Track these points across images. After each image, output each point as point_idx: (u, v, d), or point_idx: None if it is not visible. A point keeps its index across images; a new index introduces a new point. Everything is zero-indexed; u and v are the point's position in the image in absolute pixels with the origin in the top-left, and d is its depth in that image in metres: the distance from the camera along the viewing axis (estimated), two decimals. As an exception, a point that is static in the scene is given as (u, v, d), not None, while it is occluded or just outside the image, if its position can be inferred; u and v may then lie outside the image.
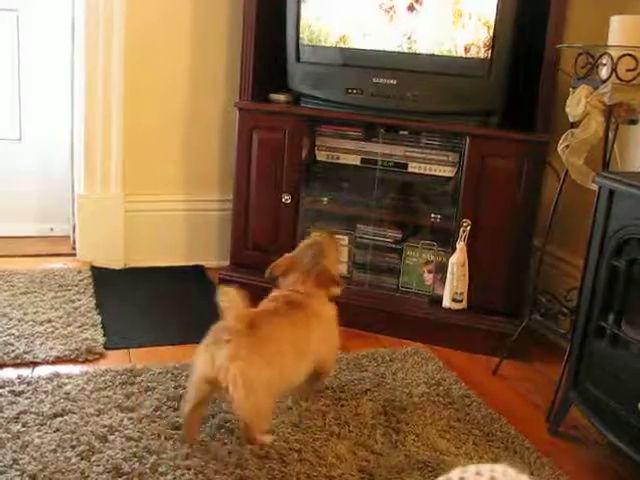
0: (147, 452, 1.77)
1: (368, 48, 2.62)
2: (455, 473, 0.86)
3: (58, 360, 2.24)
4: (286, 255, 2.13)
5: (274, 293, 2.04)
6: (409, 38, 2.55)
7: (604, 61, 2.01)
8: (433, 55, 2.54)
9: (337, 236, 2.29)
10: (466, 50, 2.50)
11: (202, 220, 3.30)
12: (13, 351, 2.24)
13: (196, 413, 1.83)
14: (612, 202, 1.89)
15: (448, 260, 2.59)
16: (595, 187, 1.98)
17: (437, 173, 2.71)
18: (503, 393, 2.33)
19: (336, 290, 2.09)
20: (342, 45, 2.66)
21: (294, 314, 1.94)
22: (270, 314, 1.90)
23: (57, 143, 3.37)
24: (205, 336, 1.80)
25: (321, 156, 2.86)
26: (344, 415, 2.05)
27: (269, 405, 1.85)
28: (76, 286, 2.83)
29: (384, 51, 2.60)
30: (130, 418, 1.91)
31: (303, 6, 2.67)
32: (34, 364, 2.21)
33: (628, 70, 1.94)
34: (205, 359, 1.75)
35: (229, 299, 1.75)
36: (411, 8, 2.53)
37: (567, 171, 2.22)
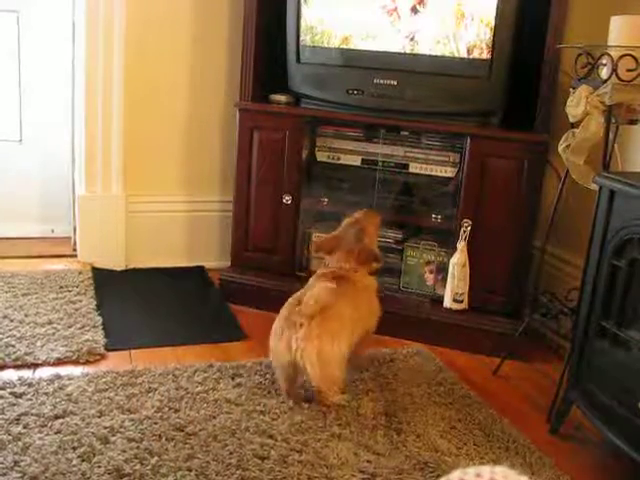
0: (148, 453, 1.77)
1: (369, 49, 2.63)
2: (455, 475, 0.86)
3: (59, 361, 2.24)
4: (331, 234, 2.35)
5: (322, 270, 2.27)
6: (412, 39, 2.55)
7: (604, 61, 2.00)
8: (434, 56, 2.54)
9: (376, 213, 2.46)
10: (467, 51, 2.50)
11: (203, 221, 3.30)
12: (14, 352, 2.24)
13: (293, 387, 2.09)
14: (613, 202, 1.89)
15: (449, 260, 2.59)
16: (596, 187, 1.98)
17: (438, 173, 2.71)
18: (504, 393, 2.33)
19: (377, 265, 2.31)
20: (344, 46, 2.66)
21: (347, 290, 2.15)
22: (330, 293, 2.09)
23: (58, 144, 3.38)
24: (279, 317, 2.06)
25: (322, 157, 2.86)
26: (345, 416, 2.05)
27: (341, 373, 2.06)
28: (77, 287, 2.83)
29: (385, 52, 2.60)
30: (131, 419, 1.91)
31: (305, 7, 2.67)
32: (35, 365, 2.21)
33: (628, 70, 1.94)
34: (283, 345, 2.00)
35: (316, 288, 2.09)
36: (414, 10, 2.53)
37: (568, 171, 2.22)
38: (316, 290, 2.10)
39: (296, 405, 2.07)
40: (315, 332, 1.97)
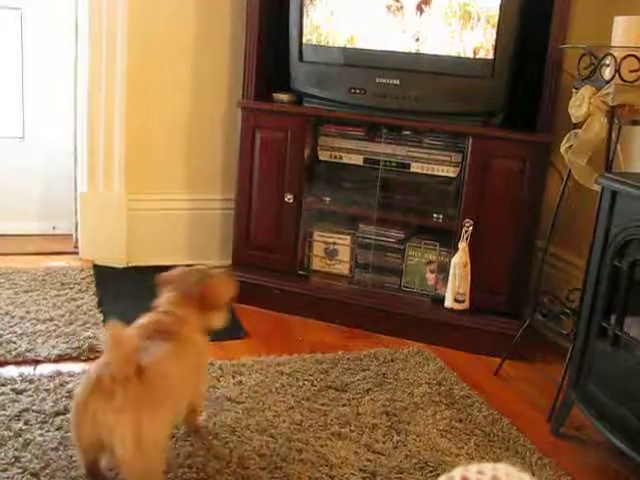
0: (149, 451, 1.77)
1: (371, 48, 2.62)
2: (457, 471, 0.86)
3: (60, 358, 2.24)
4: (171, 271, 1.87)
5: (144, 319, 1.76)
6: (415, 39, 2.55)
7: (607, 62, 2.00)
8: (436, 55, 2.54)
9: (232, 279, 1.91)
10: (470, 51, 2.50)
11: (204, 219, 3.30)
12: (15, 349, 2.25)
13: (98, 469, 1.59)
14: (615, 203, 1.89)
15: (450, 260, 2.59)
16: (598, 188, 1.98)
17: (440, 173, 2.71)
18: (505, 393, 2.33)
19: (219, 318, 1.83)
20: (346, 45, 2.66)
21: (173, 343, 1.64)
22: (150, 346, 1.59)
23: (60, 141, 3.38)
24: (83, 381, 1.55)
25: (324, 156, 2.86)
26: (346, 415, 2.05)
27: (162, 458, 1.57)
28: (78, 284, 2.83)
29: (387, 51, 2.60)
30: (132, 416, 1.91)
31: (309, 6, 2.67)
32: (36, 362, 2.21)
33: (631, 71, 1.94)
34: (87, 420, 1.47)
35: (117, 337, 1.49)
36: (418, 9, 2.53)
37: (570, 172, 2.22)
38: (127, 344, 1.51)
39: (296, 404, 2.07)
40: (134, 403, 1.44)
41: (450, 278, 2.58)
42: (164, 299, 1.79)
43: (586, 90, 2.06)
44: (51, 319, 2.48)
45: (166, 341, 1.64)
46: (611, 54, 1.99)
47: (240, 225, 2.91)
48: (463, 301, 2.57)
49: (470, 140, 2.56)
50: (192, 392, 1.77)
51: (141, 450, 1.45)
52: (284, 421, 1.97)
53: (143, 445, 1.45)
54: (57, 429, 1.82)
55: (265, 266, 2.87)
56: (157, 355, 1.57)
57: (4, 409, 1.89)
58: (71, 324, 2.47)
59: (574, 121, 2.14)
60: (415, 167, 2.74)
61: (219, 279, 1.84)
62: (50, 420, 1.86)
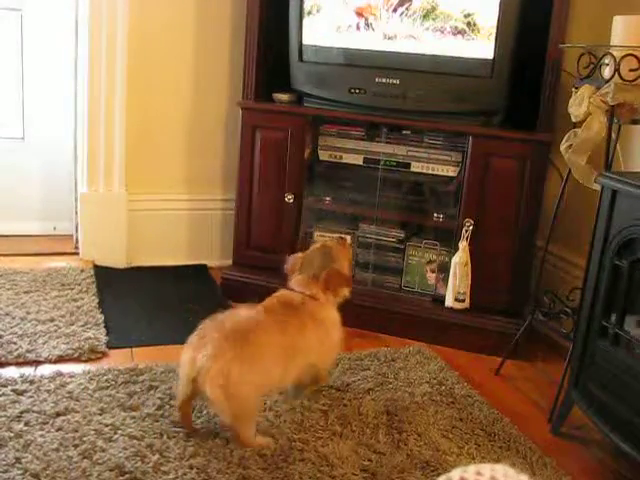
0: (150, 451, 1.77)
1: (371, 48, 2.62)
2: (456, 472, 0.86)
3: (61, 359, 2.25)
4: (297, 254, 2.11)
5: (278, 292, 2.02)
6: (414, 38, 2.55)
7: (607, 61, 2.00)
8: (436, 55, 2.54)
9: (348, 240, 2.26)
10: (470, 51, 2.49)
11: (205, 219, 3.30)
12: (16, 350, 2.25)
13: (187, 407, 1.85)
14: (615, 202, 1.89)
15: (451, 260, 2.59)
16: (598, 187, 1.98)
17: (440, 173, 2.71)
18: (505, 393, 2.33)
19: (345, 292, 2.07)
20: (346, 45, 2.66)
21: (286, 316, 1.90)
22: (259, 315, 1.86)
23: (60, 142, 3.38)
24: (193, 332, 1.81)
25: (324, 155, 2.86)
26: (346, 414, 2.05)
27: (251, 409, 1.80)
28: (79, 285, 2.83)
29: (387, 51, 2.60)
30: (133, 417, 1.91)
31: (308, 6, 2.67)
32: (37, 363, 2.21)
33: (631, 70, 1.94)
34: (188, 358, 1.75)
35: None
36: (418, 9, 2.53)
37: (570, 171, 2.22)
38: (243, 311, 1.87)
39: (297, 404, 2.07)
40: (227, 354, 1.71)
41: (450, 277, 2.58)
42: (295, 280, 2.03)
43: (586, 89, 2.06)
44: (52, 320, 2.48)
45: (284, 312, 1.90)
46: (610, 53, 1.99)
47: (240, 225, 2.91)
48: (463, 300, 2.57)
49: (470, 139, 2.56)
50: (311, 356, 1.95)
51: (228, 396, 1.69)
52: (285, 421, 1.97)
53: (230, 391, 1.69)
54: (58, 430, 1.83)
55: (266, 266, 2.87)
56: (260, 322, 1.82)
57: (5, 410, 1.89)
58: (72, 325, 2.47)
59: (574, 120, 2.14)
60: (415, 167, 2.74)
61: (339, 263, 2.06)
62: (51, 421, 1.86)
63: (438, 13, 2.51)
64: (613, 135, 2.09)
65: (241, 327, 1.78)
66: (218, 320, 1.78)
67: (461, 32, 2.47)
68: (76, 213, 3.26)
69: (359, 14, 2.61)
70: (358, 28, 2.62)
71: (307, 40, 2.71)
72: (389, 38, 2.58)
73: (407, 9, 2.53)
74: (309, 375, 2.02)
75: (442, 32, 2.50)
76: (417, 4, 2.52)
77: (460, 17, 2.47)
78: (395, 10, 2.53)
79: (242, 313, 1.85)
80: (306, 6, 2.68)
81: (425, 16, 2.50)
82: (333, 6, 2.65)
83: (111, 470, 1.69)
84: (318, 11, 2.67)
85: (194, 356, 1.72)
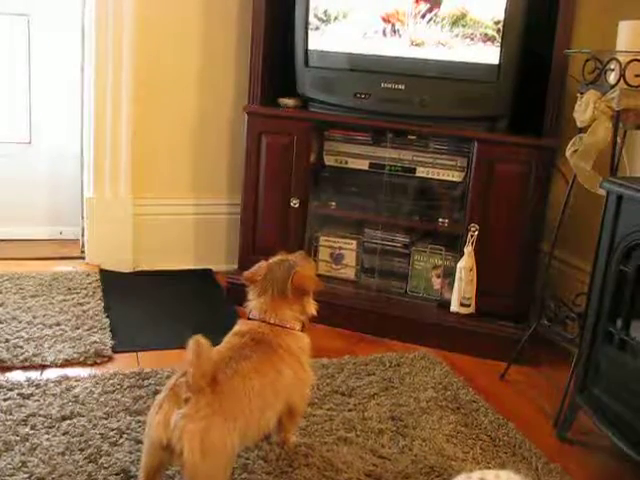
0: (155, 455, 1.77)
1: (377, 53, 2.63)
2: (460, 478, 0.86)
3: (67, 363, 2.25)
4: (261, 263, 1.87)
5: (241, 326, 1.80)
6: (420, 44, 2.56)
7: (612, 66, 2.00)
8: (441, 60, 2.54)
9: (310, 259, 2.01)
10: (475, 56, 2.50)
11: (210, 224, 3.31)
12: (22, 354, 2.26)
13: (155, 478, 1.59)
14: (620, 207, 1.89)
15: (456, 265, 2.59)
16: (603, 192, 1.98)
17: (445, 178, 2.71)
18: (511, 398, 2.32)
19: (312, 309, 1.84)
20: (352, 50, 2.66)
21: (262, 356, 1.69)
22: (236, 360, 1.64)
23: (67, 146, 3.39)
24: (161, 392, 1.60)
25: (329, 160, 2.86)
26: (351, 419, 2.05)
27: (227, 471, 1.60)
28: (85, 289, 2.84)
29: (393, 56, 2.61)
30: (138, 421, 1.92)
31: (315, 12, 2.68)
32: (43, 367, 2.22)
33: (636, 75, 1.94)
34: (159, 420, 1.52)
35: (197, 350, 1.51)
36: (422, 15, 2.53)
37: (575, 176, 2.22)
38: (213, 353, 1.61)
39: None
40: (203, 411, 1.50)
41: (456, 282, 2.58)
42: (257, 304, 1.81)
43: (591, 95, 2.07)
44: (58, 324, 2.49)
45: (258, 352, 1.69)
46: (616, 59, 1.99)
47: (246, 230, 2.92)
48: (469, 305, 2.57)
49: (475, 144, 2.57)
50: (288, 397, 1.77)
51: (205, 457, 1.50)
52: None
53: (208, 453, 1.50)
54: (64, 434, 1.83)
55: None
56: (236, 369, 1.62)
57: (11, 414, 1.90)
58: (77, 329, 2.47)
59: (579, 125, 2.14)
60: (420, 172, 2.74)
61: (301, 263, 1.85)
62: (57, 425, 1.87)
63: (442, 16, 2.51)
64: (618, 140, 2.09)
65: (217, 377, 1.56)
66: (189, 372, 1.52)
67: (491, 39, 2.47)
68: (82, 218, 3.27)
69: (386, 20, 2.60)
70: (384, 34, 2.61)
71: (313, 45, 2.71)
72: (416, 45, 2.57)
73: (436, 15, 2.53)
74: (284, 416, 1.82)
75: (472, 39, 2.49)
76: (446, 11, 2.52)
77: (491, 24, 2.46)
78: (423, 17, 2.53)
79: (216, 363, 1.59)
80: (312, 11, 2.68)
81: (454, 23, 2.50)
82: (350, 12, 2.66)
83: (117, 474, 1.69)
84: (337, 18, 2.67)
85: (166, 417, 1.51)
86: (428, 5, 2.52)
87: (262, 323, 1.77)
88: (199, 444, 1.49)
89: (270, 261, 1.86)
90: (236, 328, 1.80)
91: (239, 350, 1.69)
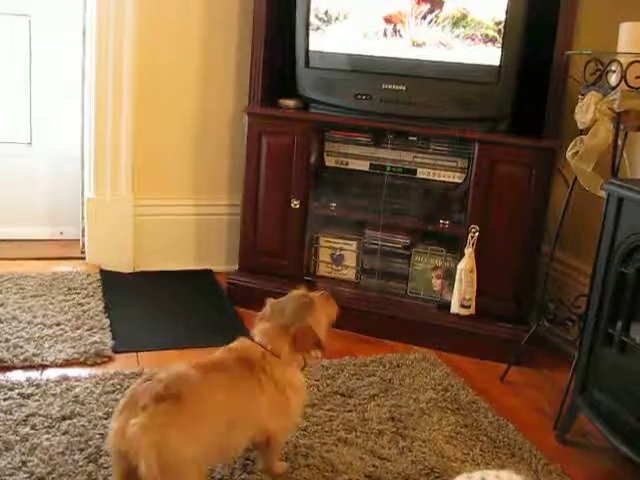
0: (155, 455, 1.77)
1: (377, 54, 2.63)
2: (461, 478, 0.86)
3: (67, 363, 2.25)
4: (272, 300, 1.80)
5: (235, 343, 1.73)
6: (421, 45, 2.56)
7: (613, 68, 2.00)
8: (442, 62, 2.54)
9: (334, 302, 1.87)
10: (476, 58, 2.50)
11: (211, 224, 3.31)
12: (22, 354, 2.26)
13: None
14: (621, 209, 1.89)
15: (456, 266, 2.59)
16: (604, 194, 1.98)
17: (446, 179, 2.71)
18: (511, 399, 2.32)
19: (316, 356, 1.79)
20: (352, 52, 2.66)
21: (238, 375, 1.62)
22: (208, 372, 1.57)
23: (67, 147, 3.39)
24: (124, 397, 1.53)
25: (330, 161, 2.86)
26: (351, 420, 2.05)
27: None
28: (85, 289, 2.84)
29: (393, 57, 2.61)
30: (138, 421, 1.92)
31: (315, 13, 2.68)
32: (43, 367, 2.22)
33: (637, 77, 1.94)
34: (116, 428, 1.45)
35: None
36: (423, 16, 2.53)
37: (576, 178, 2.22)
38: (183, 366, 1.56)
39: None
40: (159, 421, 1.42)
41: (456, 284, 2.58)
42: (260, 328, 1.74)
43: (592, 96, 2.06)
44: (58, 324, 2.49)
45: (236, 370, 1.62)
46: (617, 60, 1.99)
47: (246, 230, 2.92)
48: (469, 307, 2.57)
49: (476, 146, 2.57)
50: (264, 428, 1.66)
51: (165, 472, 1.42)
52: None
53: (167, 467, 1.42)
54: (63, 433, 1.83)
55: (271, 271, 2.87)
56: (205, 381, 1.53)
57: (11, 413, 1.90)
58: (78, 329, 2.47)
59: (580, 127, 2.14)
60: (421, 173, 2.74)
61: (316, 317, 1.75)
62: (57, 424, 1.87)
63: (443, 18, 2.51)
64: (619, 142, 2.09)
65: (179, 388, 1.48)
66: (153, 379, 1.48)
67: (492, 40, 2.47)
68: (83, 218, 3.27)
69: (387, 20, 2.60)
70: (385, 35, 2.61)
71: (314, 46, 2.71)
72: (417, 45, 2.57)
73: (437, 16, 2.53)
74: (261, 444, 1.72)
75: (473, 40, 2.49)
76: (447, 11, 2.52)
77: (491, 25, 2.46)
78: (424, 17, 2.53)
79: (183, 370, 1.54)
80: (313, 12, 2.68)
81: (455, 24, 2.50)
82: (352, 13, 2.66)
83: (116, 474, 1.69)
84: (337, 18, 2.67)
85: (123, 426, 1.44)
86: (429, 6, 2.52)
87: (257, 345, 1.69)
88: (156, 458, 1.40)
89: (287, 295, 1.79)
90: (231, 344, 1.72)
91: (218, 364, 1.63)
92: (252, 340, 1.71)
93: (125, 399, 1.49)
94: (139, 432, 1.41)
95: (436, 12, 2.52)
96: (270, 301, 1.79)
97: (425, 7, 2.53)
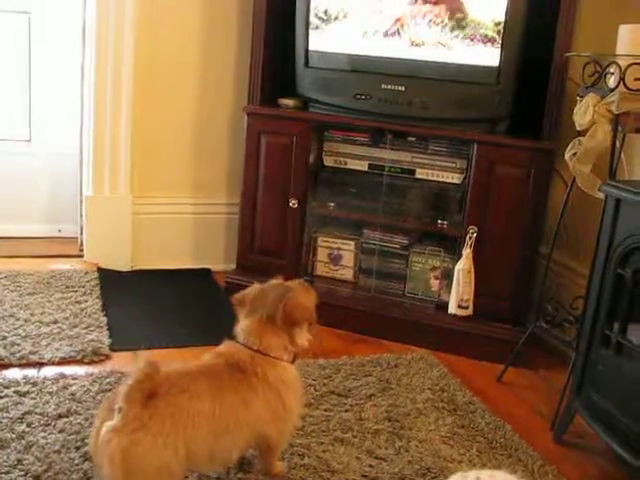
0: (151, 454, 1.77)
1: (377, 54, 2.63)
2: (455, 478, 0.86)
3: (64, 361, 2.25)
4: (254, 285, 1.76)
5: (222, 347, 1.69)
6: (420, 46, 2.56)
7: (612, 70, 2.01)
8: (442, 62, 2.54)
9: (312, 289, 1.80)
10: (475, 58, 2.50)
11: (209, 223, 3.31)
12: (19, 351, 2.25)
13: None
14: (619, 211, 1.89)
15: (454, 266, 2.59)
16: (602, 196, 1.98)
17: (444, 179, 2.71)
18: (507, 400, 2.33)
19: (304, 341, 1.70)
20: (352, 51, 2.66)
21: (228, 382, 1.58)
22: (191, 379, 1.54)
23: (66, 144, 3.39)
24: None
25: (329, 161, 2.87)
26: (348, 420, 2.05)
27: None
28: (83, 287, 2.84)
29: (393, 58, 2.61)
30: (134, 420, 1.91)
31: (315, 12, 2.68)
32: (40, 365, 2.22)
33: (636, 79, 1.94)
34: (94, 430, 1.46)
35: (145, 364, 1.45)
36: (423, 16, 2.53)
37: (574, 179, 2.22)
38: (170, 370, 1.54)
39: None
40: (131, 425, 1.39)
41: (454, 284, 2.58)
42: (243, 327, 1.69)
43: (591, 98, 2.07)
44: (55, 322, 2.49)
45: (225, 376, 1.58)
46: (616, 62, 1.99)
47: (245, 229, 2.92)
48: (467, 307, 2.57)
49: (475, 147, 2.57)
50: (261, 432, 1.64)
51: (129, 477, 1.40)
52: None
53: (132, 472, 1.40)
54: (60, 432, 1.83)
55: (269, 271, 2.84)
56: (187, 388, 1.50)
57: (7, 411, 1.90)
58: (75, 327, 2.47)
59: (578, 129, 2.14)
60: (420, 173, 2.74)
61: (298, 291, 1.71)
62: (53, 423, 1.87)
63: (468, 21, 2.50)
64: (617, 144, 2.09)
65: (158, 392, 1.45)
66: (134, 381, 1.44)
67: (491, 40, 2.46)
68: (81, 216, 3.27)
69: (387, 20, 2.60)
70: (385, 35, 2.61)
71: (313, 46, 2.71)
72: (416, 45, 2.57)
73: (436, 16, 2.52)
74: (260, 447, 1.72)
75: (472, 40, 2.49)
76: (447, 12, 2.52)
77: (491, 25, 2.46)
78: (424, 17, 2.53)
79: (168, 375, 1.52)
80: (313, 11, 2.68)
81: (454, 24, 2.50)
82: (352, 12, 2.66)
83: None
84: (337, 18, 2.67)
85: (99, 428, 1.42)
86: (429, 6, 2.52)
87: (245, 348, 1.64)
88: (121, 462, 1.37)
89: (264, 284, 1.74)
90: (218, 347, 1.68)
91: (205, 370, 1.59)
92: (237, 342, 1.68)
93: (106, 400, 1.48)
94: (109, 435, 1.39)
95: (435, 12, 2.52)
96: (253, 287, 1.74)
97: (425, 7, 2.53)
